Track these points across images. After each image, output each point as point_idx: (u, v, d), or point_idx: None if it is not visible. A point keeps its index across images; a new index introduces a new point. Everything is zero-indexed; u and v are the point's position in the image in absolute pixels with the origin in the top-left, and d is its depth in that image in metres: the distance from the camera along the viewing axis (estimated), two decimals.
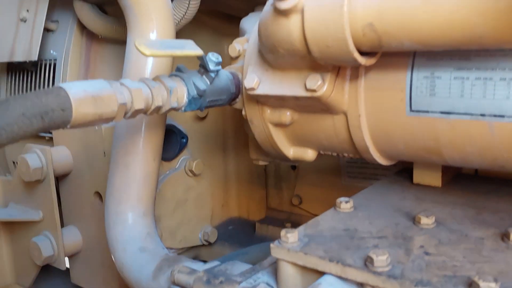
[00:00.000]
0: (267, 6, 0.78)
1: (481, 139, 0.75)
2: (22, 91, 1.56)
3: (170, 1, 1.09)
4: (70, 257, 1.43)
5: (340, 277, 0.65)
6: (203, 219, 1.54)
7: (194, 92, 0.92)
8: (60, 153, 1.34)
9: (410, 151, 0.86)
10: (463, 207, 0.86)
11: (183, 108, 0.91)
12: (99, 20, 1.34)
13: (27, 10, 1.46)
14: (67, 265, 1.42)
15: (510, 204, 0.87)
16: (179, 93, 0.89)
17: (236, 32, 1.22)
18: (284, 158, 1.04)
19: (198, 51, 0.87)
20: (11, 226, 1.42)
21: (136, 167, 1.05)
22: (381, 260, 0.63)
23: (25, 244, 1.36)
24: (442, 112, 0.77)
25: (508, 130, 0.72)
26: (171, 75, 0.92)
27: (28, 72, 1.55)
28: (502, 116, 0.72)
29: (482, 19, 0.58)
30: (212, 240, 1.54)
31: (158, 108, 0.86)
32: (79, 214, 1.37)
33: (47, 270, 1.50)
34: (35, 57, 1.41)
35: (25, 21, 1.45)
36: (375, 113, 0.85)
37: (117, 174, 1.06)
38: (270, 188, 1.70)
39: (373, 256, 0.63)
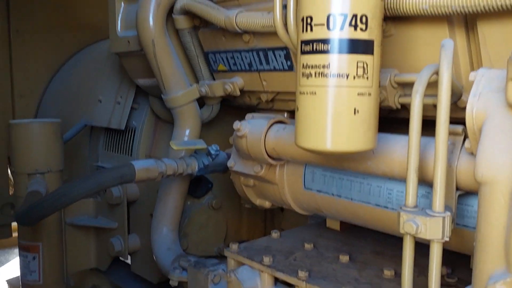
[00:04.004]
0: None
1: (341, 208, 1.47)
2: (113, 145, 2.44)
3: (199, 110, 1.90)
4: (131, 254, 2.25)
5: (251, 267, 1.40)
6: (219, 239, 2.30)
7: (201, 165, 1.71)
8: (132, 188, 2.18)
9: (310, 209, 1.59)
10: (337, 242, 1.57)
11: (195, 174, 1.71)
12: (163, 109, 2.17)
13: (121, 97, 2.34)
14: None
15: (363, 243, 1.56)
16: (193, 166, 1.69)
17: None
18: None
19: (204, 146, 1.67)
20: (98, 230, 2.27)
21: (169, 202, 1.85)
22: (266, 260, 1.36)
23: (106, 242, 2.20)
24: (317, 191, 1.50)
25: (345, 206, 1.43)
26: (191, 156, 1.72)
27: (118, 133, 2.43)
28: (350, 199, 1.43)
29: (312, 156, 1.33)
30: (224, 253, 2.28)
31: (180, 173, 1.67)
32: (140, 227, 2.19)
33: (117, 262, 2.34)
34: (123, 127, 2.28)
35: (119, 104, 2.34)
36: (291, 186, 1.59)
37: (159, 205, 1.87)
38: (268, 221, 2.44)
39: (265, 259, 1.37)
